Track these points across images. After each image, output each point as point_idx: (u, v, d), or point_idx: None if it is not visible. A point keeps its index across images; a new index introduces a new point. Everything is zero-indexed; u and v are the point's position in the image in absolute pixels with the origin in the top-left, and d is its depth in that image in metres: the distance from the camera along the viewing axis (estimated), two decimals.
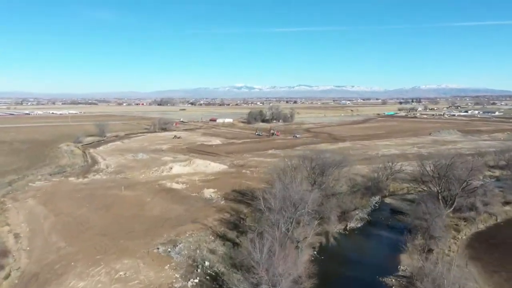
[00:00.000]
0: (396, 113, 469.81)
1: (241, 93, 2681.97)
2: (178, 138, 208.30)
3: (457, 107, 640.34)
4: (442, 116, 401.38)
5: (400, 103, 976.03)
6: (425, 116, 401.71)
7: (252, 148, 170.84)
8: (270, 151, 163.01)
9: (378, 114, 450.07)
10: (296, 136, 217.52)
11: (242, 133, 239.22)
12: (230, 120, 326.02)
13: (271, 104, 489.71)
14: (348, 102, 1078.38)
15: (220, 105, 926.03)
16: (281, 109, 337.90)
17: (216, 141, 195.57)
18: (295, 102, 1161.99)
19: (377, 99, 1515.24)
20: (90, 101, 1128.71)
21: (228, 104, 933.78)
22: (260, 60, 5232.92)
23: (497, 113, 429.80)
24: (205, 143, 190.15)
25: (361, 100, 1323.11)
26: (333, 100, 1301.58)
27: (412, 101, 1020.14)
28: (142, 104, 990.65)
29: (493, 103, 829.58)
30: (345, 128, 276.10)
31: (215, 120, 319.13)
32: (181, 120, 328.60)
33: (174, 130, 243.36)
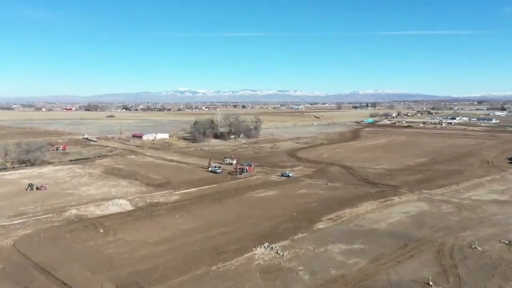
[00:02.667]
0: (376, 121, 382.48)
1: (185, 97, 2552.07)
2: (39, 189, 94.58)
3: (429, 112, 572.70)
4: (441, 125, 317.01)
5: (356, 108, 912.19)
6: (421, 125, 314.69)
7: (194, 239, 62.49)
8: (252, 263, 55.97)
9: (357, 122, 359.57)
10: (289, 175, 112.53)
11: (182, 169, 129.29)
12: (165, 135, 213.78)
13: (219, 109, 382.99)
14: (301, 106, 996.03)
15: (160, 110, 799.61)
16: (242, 118, 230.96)
17: (121, 201, 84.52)
18: (243, 106, 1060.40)
19: (323, 103, 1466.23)
20: (7, 106, 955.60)
21: (170, 109, 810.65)
22: (204, 64, 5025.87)
23: (494, 120, 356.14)
24: (88, 212, 78.53)
25: (308, 105, 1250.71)
26: (281, 105, 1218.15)
27: (367, 106, 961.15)
28: (71, 109, 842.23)
29: (451, 108, 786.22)
30: (350, 149, 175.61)
31: (140, 137, 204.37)
32: (85, 136, 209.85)
33: (50, 163, 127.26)
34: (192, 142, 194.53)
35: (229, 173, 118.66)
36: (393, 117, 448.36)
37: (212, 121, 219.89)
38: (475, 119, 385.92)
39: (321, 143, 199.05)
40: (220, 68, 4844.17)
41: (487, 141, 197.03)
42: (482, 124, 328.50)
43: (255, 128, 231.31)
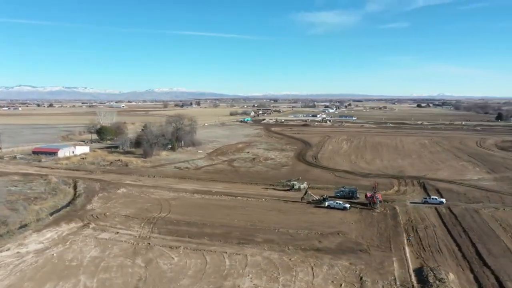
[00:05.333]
0: (255, 120, 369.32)
1: None
2: None
3: (270, 111, 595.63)
4: (325, 123, 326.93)
5: (181, 106, 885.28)
6: (316, 124, 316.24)
7: None
8: None
9: (243, 121, 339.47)
10: (442, 202, 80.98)
11: (277, 208, 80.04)
12: (85, 149, 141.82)
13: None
14: (123, 105, 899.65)
15: None
16: (185, 121, 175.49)
17: None
18: (51, 105, 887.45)
19: (129, 101, 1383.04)
20: None
21: None
22: None
23: (354, 118, 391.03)
24: None
25: (110, 103, 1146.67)
26: (83, 103, 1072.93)
27: (191, 104, 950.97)
28: None
29: (275, 106, 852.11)
30: (347, 153, 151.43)
31: (54, 153, 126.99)
32: None
33: (24, 227, 57.94)
34: (143, 157, 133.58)
35: (366, 205, 78.57)
36: (265, 115, 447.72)
37: (145, 125, 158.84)
38: (338, 117, 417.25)
39: (290, 148, 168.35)
40: None
41: (435, 138, 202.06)
42: (355, 121, 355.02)
43: (190, 132, 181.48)
